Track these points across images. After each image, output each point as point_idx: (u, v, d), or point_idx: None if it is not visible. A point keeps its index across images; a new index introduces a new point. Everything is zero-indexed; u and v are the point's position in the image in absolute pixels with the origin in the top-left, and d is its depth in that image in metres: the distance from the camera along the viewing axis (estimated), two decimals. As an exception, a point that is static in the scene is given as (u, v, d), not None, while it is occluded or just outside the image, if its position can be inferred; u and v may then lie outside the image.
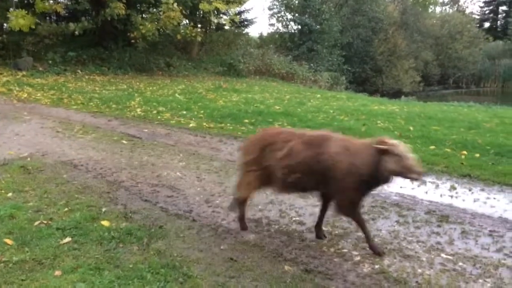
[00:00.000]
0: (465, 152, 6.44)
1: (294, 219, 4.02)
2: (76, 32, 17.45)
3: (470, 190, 4.93)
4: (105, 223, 3.76)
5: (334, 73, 26.39)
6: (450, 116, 10.05)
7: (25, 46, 17.91)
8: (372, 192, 4.69)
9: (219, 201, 4.45)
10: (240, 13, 26.69)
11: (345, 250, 3.39)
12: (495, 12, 50.67)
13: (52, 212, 4.01)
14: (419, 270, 3.11)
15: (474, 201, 4.59)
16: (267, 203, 4.39)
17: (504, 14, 48.89)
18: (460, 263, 3.21)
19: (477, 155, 6.32)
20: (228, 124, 8.80)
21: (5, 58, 17.01)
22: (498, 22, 50.22)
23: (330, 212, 4.15)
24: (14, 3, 17.48)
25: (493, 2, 50.12)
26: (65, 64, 17.93)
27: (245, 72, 22.02)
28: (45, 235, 3.50)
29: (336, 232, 3.70)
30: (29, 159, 5.82)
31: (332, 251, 3.39)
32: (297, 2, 29.11)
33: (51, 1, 17.90)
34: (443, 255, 3.33)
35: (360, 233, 3.68)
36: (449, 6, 48.53)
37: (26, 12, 16.38)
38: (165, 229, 3.72)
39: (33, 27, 16.62)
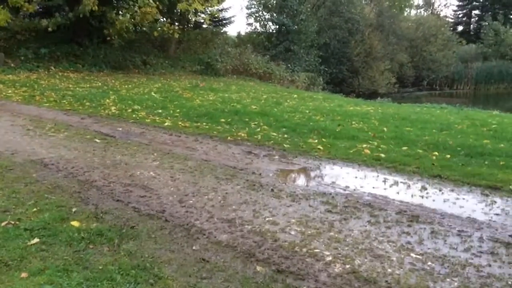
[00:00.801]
0: (436, 153, 6.58)
1: (267, 219, 4.02)
2: (50, 28, 17.09)
3: (440, 190, 5.03)
4: (75, 223, 3.68)
5: (311, 73, 26.57)
6: (423, 118, 10.24)
7: (-3, 42, 17.51)
8: (344, 192, 4.79)
9: (193, 201, 4.42)
10: (218, 11, 26.61)
11: (317, 250, 3.41)
12: (468, 16, 51.95)
13: (20, 212, 3.91)
14: (389, 270, 3.15)
15: (444, 201, 4.67)
16: (241, 203, 4.38)
17: (477, 18, 50.20)
18: (429, 263, 3.27)
19: (448, 156, 6.47)
20: (204, 124, 8.75)
21: (-24, 54, 16.56)
22: (471, 25, 51.49)
23: (303, 211, 4.19)
24: None
25: (467, 6, 51.35)
26: (38, 61, 17.53)
27: (223, 71, 21.97)
28: (12, 236, 3.41)
29: (309, 232, 3.72)
30: (-3, 157, 5.67)
31: (304, 251, 3.40)
32: (274, 2, 29.17)
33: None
34: (412, 254, 3.38)
35: (332, 233, 3.72)
36: (423, 9, 49.57)
37: (2, 7, 15.96)
38: (136, 230, 3.67)
39: (9, 21, 16.23)
